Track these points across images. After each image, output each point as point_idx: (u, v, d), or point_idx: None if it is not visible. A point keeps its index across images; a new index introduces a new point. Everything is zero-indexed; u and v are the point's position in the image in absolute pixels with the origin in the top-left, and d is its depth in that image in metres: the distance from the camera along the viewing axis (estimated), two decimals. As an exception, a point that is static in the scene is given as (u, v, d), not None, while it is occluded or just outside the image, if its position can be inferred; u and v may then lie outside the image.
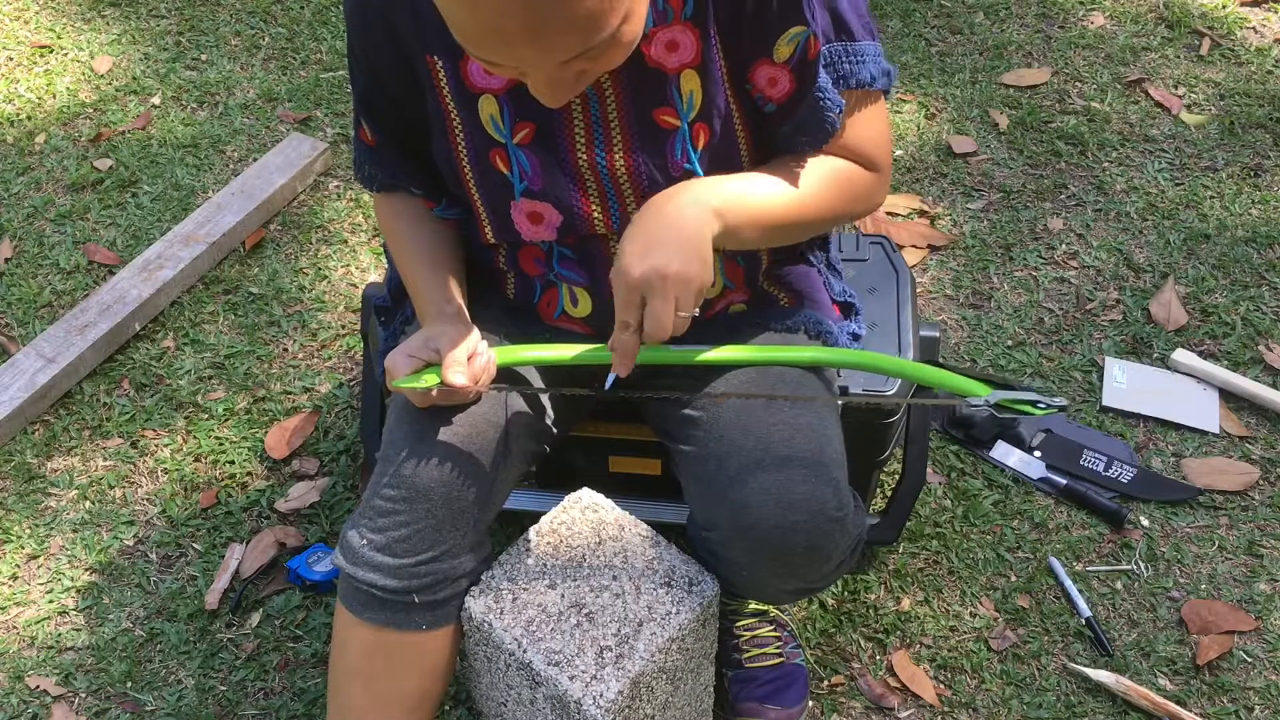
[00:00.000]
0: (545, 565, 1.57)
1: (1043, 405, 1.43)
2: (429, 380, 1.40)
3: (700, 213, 1.34)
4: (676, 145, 1.42)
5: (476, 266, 1.61)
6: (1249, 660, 1.88)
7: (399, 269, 1.58)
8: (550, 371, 1.60)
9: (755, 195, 1.41)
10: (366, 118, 1.51)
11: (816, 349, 1.55)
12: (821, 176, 1.46)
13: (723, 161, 1.44)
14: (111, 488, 2.14)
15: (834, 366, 1.59)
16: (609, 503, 1.65)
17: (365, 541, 1.45)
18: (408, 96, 1.46)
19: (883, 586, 1.97)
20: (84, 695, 1.87)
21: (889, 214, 2.58)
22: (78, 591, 2.00)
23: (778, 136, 1.46)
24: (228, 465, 2.17)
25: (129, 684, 1.89)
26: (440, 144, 1.47)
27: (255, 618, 1.96)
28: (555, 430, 1.62)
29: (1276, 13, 3.06)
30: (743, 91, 1.42)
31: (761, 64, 1.39)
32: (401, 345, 1.44)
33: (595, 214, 1.46)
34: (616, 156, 1.42)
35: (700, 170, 1.43)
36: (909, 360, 1.54)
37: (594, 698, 1.45)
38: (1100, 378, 2.26)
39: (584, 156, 1.43)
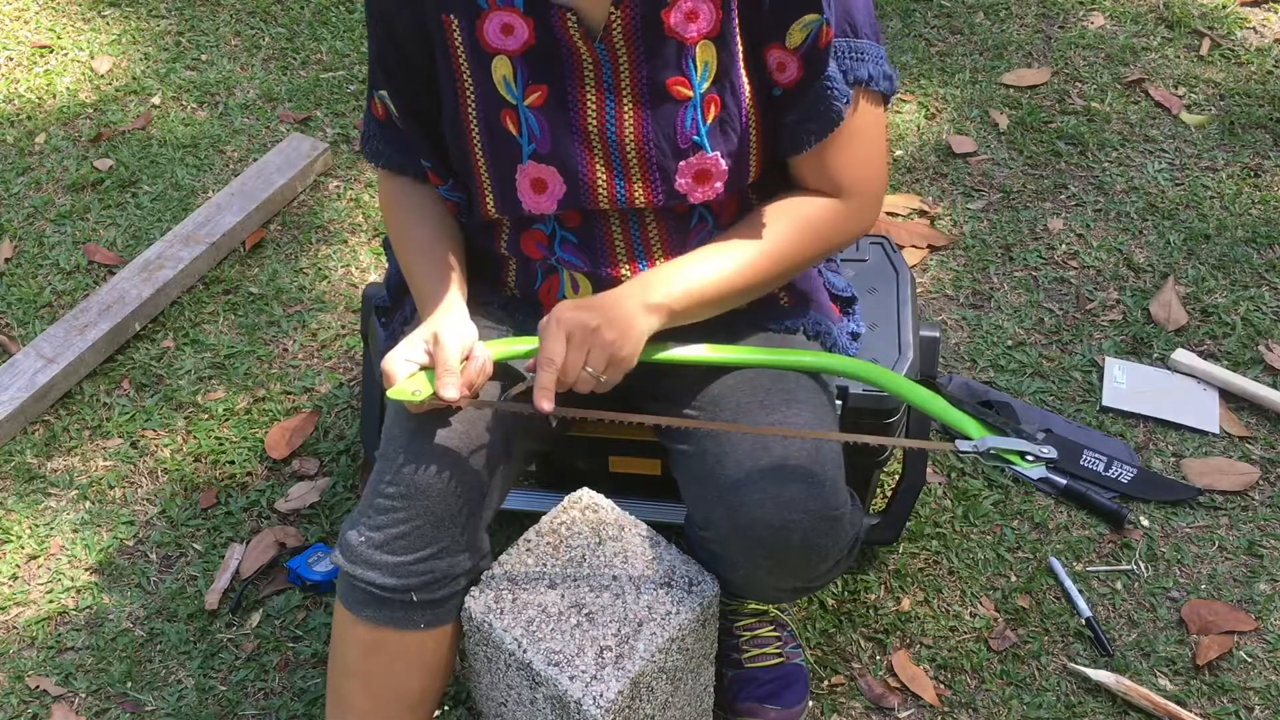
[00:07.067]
0: (545, 565, 1.57)
1: (1031, 457, 1.44)
2: (423, 392, 1.41)
3: (642, 309, 1.42)
4: (687, 115, 1.43)
5: (477, 259, 1.61)
6: (1249, 660, 1.88)
7: (399, 259, 1.58)
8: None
9: (706, 281, 1.45)
10: (382, 83, 1.51)
11: (818, 354, 1.56)
12: (782, 234, 1.48)
13: (729, 137, 1.45)
14: (111, 488, 2.14)
15: (835, 375, 1.59)
16: (609, 503, 1.65)
17: (364, 539, 1.45)
18: (421, 59, 1.47)
19: (883, 586, 1.97)
20: (84, 695, 1.87)
21: (889, 214, 2.58)
22: (78, 591, 2.00)
23: (784, 129, 1.47)
24: (228, 465, 2.17)
25: (129, 684, 1.88)
26: (449, 107, 1.48)
27: (255, 618, 1.96)
28: (555, 430, 1.62)
29: (1276, 13, 3.06)
30: (755, 69, 1.44)
31: (774, 47, 1.41)
32: (398, 348, 1.44)
33: (600, 181, 1.46)
34: (626, 123, 1.43)
35: (707, 145, 1.44)
36: (909, 381, 1.54)
37: (594, 698, 1.45)
38: (1100, 378, 2.26)
39: (594, 122, 1.44)
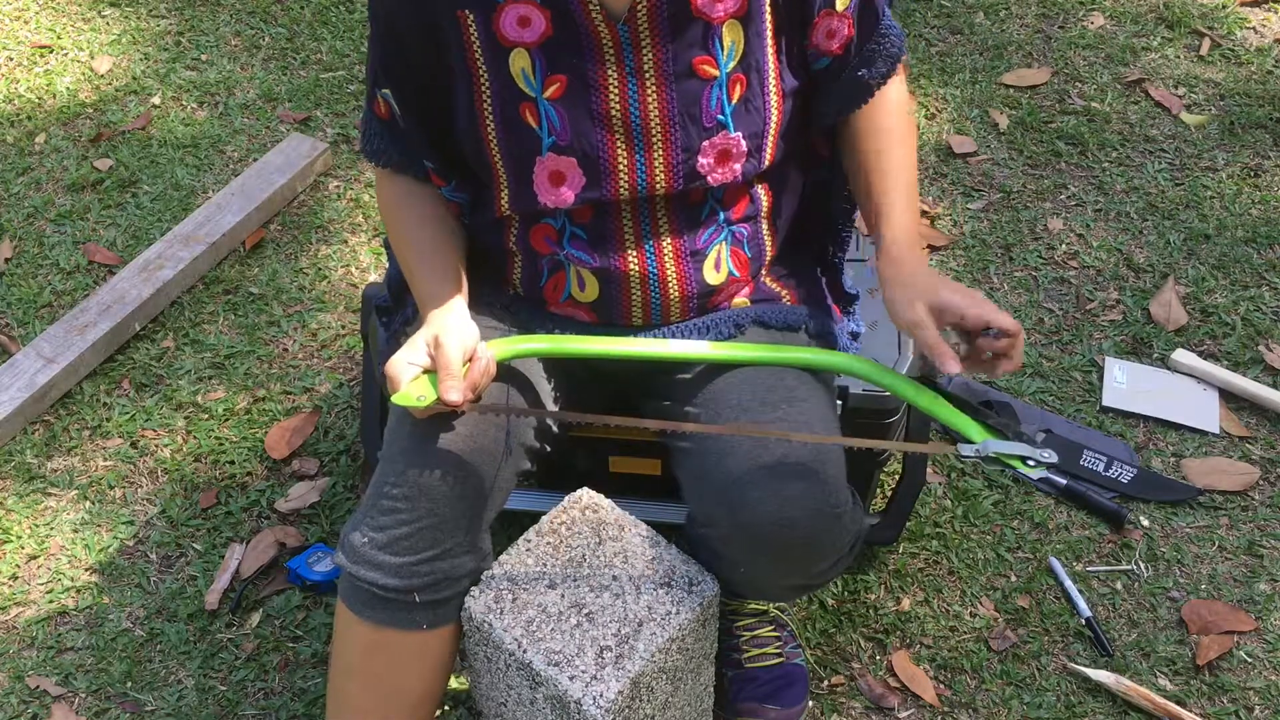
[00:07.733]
0: (545, 565, 1.57)
1: (1032, 462, 1.44)
2: (427, 398, 1.40)
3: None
4: (712, 94, 1.44)
5: (480, 258, 1.60)
6: (1249, 660, 1.88)
7: (399, 259, 1.58)
8: (548, 380, 1.60)
9: (912, 211, 1.52)
10: (385, 83, 1.51)
11: (819, 351, 1.56)
12: (906, 123, 1.56)
13: (752, 118, 1.46)
14: (111, 488, 2.14)
15: (836, 372, 1.60)
16: (609, 503, 1.65)
17: (367, 540, 1.45)
18: (427, 60, 1.46)
19: (883, 586, 1.97)
20: (84, 695, 1.87)
21: (889, 214, 2.58)
22: (78, 591, 2.00)
23: (849, 86, 1.51)
24: (228, 465, 2.17)
25: (129, 684, 1.89)
26: (463, 105, 1.47)
27: (255, 618, 1.96)
28: (556, 430, 1.62)
29: (1276, 13, 3.06)
30: (784, 49, 1.46)
31: (823, 16, 1.45)
32: (400, 351, 1.44)
33: (621, 166, 1.46)
34: (650, 102, 1.44)
35: (731, 124, 1.45)
36: (910, 380, 1.54)
37: (594, 698, 1.45)
38: (1100, 378, 2.26)
39: (616, 105, 1.44)
